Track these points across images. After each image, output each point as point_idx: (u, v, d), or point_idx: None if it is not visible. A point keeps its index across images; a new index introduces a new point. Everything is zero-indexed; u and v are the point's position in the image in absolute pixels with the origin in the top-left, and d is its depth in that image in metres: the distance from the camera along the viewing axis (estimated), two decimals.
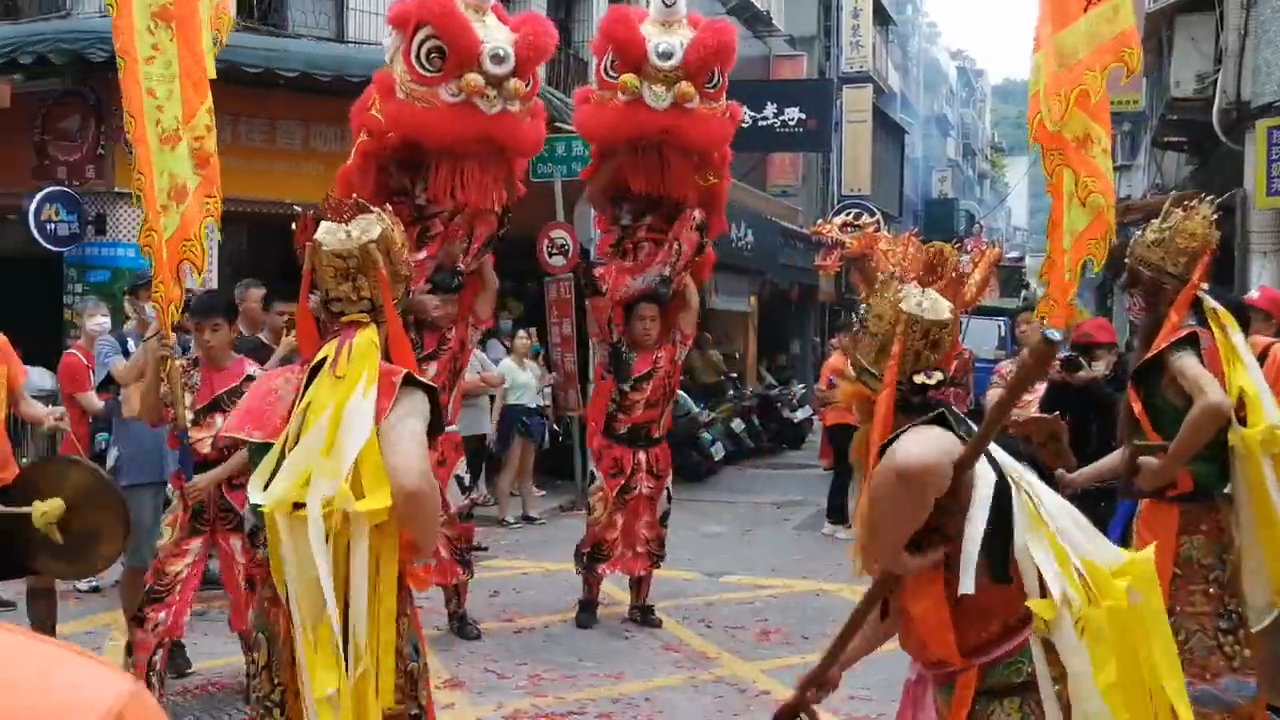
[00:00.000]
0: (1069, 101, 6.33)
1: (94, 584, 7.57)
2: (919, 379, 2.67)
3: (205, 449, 5.10)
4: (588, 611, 7.05)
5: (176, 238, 4.92)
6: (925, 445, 2.46)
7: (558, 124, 12.45)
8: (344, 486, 2.72)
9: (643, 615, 6.98)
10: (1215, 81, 12.48)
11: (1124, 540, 4.17)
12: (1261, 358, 4.70)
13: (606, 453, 6.91)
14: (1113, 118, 24.60)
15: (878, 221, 8.01)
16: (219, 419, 4.98)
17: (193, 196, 4.98)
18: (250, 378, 4.98)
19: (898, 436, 2.54)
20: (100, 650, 6.31)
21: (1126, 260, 4.10)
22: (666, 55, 6.43)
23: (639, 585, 7.03)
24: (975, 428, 2.58)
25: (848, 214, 10.23)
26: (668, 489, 7.03)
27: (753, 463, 15.61)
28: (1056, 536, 2.45)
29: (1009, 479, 2.49)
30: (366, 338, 2.92)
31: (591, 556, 6.94)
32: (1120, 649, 2.37)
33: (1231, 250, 12.24)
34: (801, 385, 18.57)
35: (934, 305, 2.69)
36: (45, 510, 4.75)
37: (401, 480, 2.75)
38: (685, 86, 6.45)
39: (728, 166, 7.28)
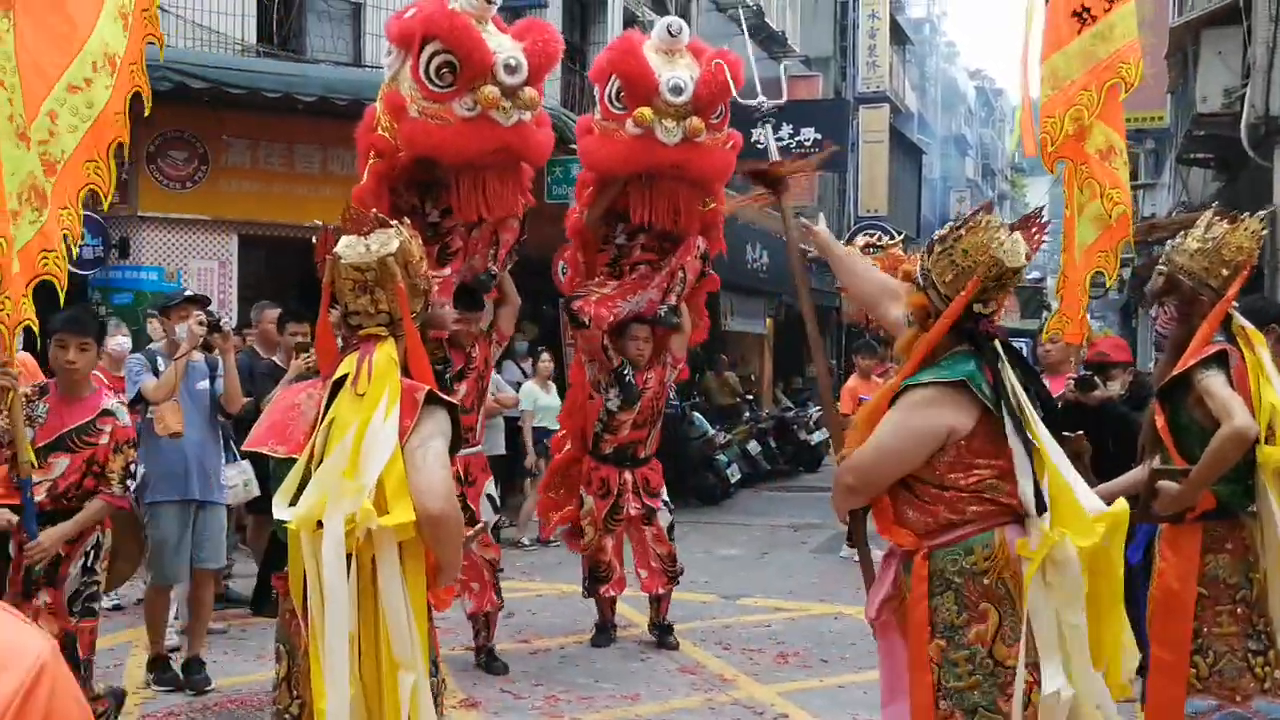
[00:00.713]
0: (1062, 122, 6.42)
1: (116, 602, 7.63)
2: (976, 307, 3.02)
3: (40, 495, 4.38)
4: (603, 633, 7.05)
5: (32, 248, 4.08)
6: (931, 415, 2.98)
7: (573, 146, 12.52)
8: (367, 504, 2.76)
9: (660, 634, 6.96)
10: (1243, 96, 12.40)
11: (1146, 560, 4.14)
12: None
13: (594, 474, 6.93)
14: (1137, 135, 24.48)
15: (902, 242, 8.01)
16: (62, 461, 4.49)
17: (51, 205, 4.20)
18: (108, 412, 4.63)
19: (920, 378, 3.00)
20: (122, 667, 6.37)
21: (1163, 268, 4.00)
22: (677, 91, 6.36)
23: (658, 603, 7.00)
24: (1005, 366, 3.01)
25: (870, 234, 10.24)
26: (665, 503, 7.01)
27: (769, 485, 15.58)
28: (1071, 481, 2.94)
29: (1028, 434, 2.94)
30: (386, 354, 2.96)
31: (591, 579, 6.95)
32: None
33: (1261, 268, 12.19)
34: (818, 407, 18.54)
35: (1014, 250, 3.00)
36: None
37: (426, 503, 2.80)
38: (696, 122, 6.42)
39: (724, 190, 7.26)
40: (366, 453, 2.82)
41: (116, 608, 7.61)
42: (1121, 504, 2.92)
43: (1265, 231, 3.98)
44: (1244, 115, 12.19)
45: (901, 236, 8.75)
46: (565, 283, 7.39)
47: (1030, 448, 2.89)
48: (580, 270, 7.16)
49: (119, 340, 7.60)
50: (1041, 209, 3.24)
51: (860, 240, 8.99)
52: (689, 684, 6.22)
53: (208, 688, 5.92)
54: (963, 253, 2.99)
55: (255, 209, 11.26)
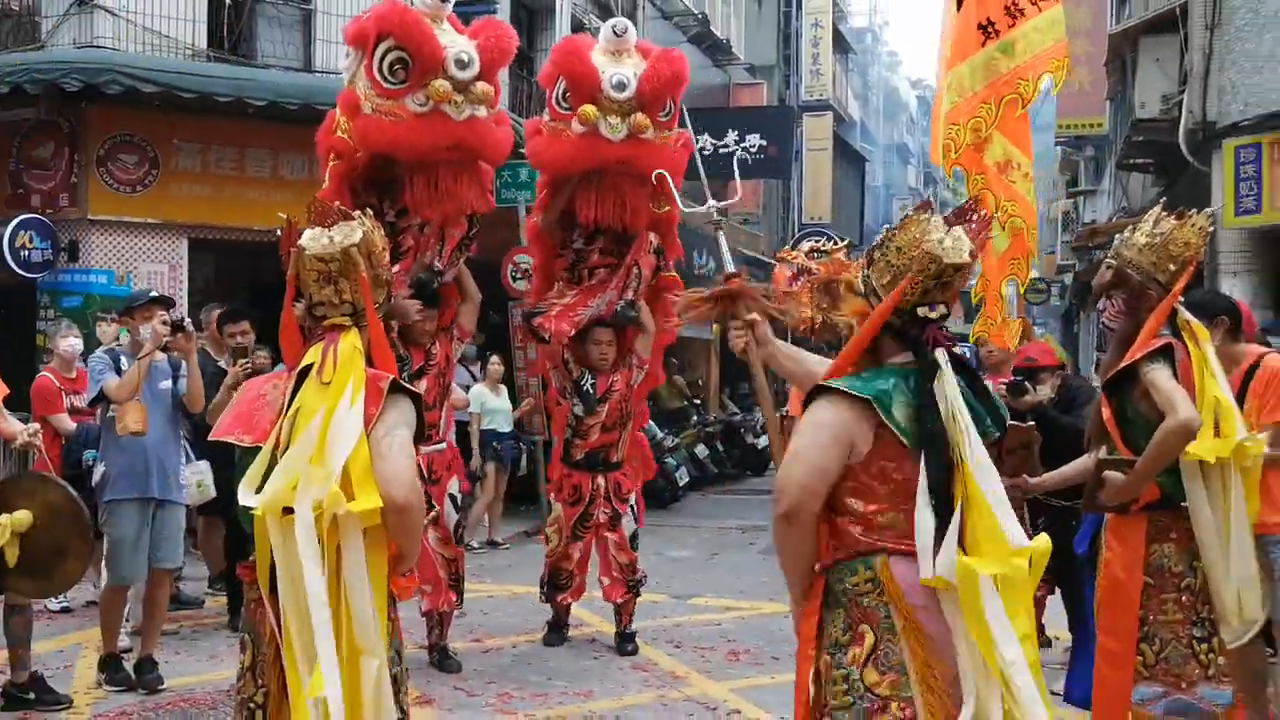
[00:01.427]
0: (965, 131, 6.68)
1: (65, 604, 7.60)
2: (921, 311, 2.86)
3: None
4: (556, 632, 7.11)
5: None
6: (834, 422, 2.79)
7: (521, 150, 12.60)
8: (335, 489, 2.82)
9: (619, 642, 6.93)
10: (1181, 102, 12.66)
11: (1093, 551, 4.25)
12: (1253, 367, 4.73)
13: (566, 481, 6.93)
14: (1077, 141, 24.84)
15: (846, 247, 8.15)
16: None
17: None
18: None
19: (831, 391, 2.82)
20: (72, 668, 6.36)
21: (1112, 262, 4.02)
22: (620, 86, 6.40)
23: (619, 612, 7.01)
24: (944, 381, 2.79)
25: (816, 240, 10.39)
26: (631, 508, 7.02)
27: (717, 488, 15.74)
28: (998, 511, 2.73)
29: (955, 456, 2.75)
30: (350, 343, 3.01)
31: (550, 585, 6.97)
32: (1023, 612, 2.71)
33: (1201, 269, 12.52)
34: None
35: (956, 247, 2.85)
36: (14, 520, 4.86)
37: (391, 491, 2.86)
38: (640, 118, 6.45)
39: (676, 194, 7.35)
40: (333, 439, 2.87)
41: (65, 610, 7.59)
42: (1043, 539, 2.79)
43: (1211, 229, 4.03)
44: (1182, 121, 12.47)
45: (845, 243, 8.90)
46: (531, 292, 7.43)
47: (949, 473, 2.75)
48: (543, 277, 7.18)
49: (70, 342, 7.59)
50: (975, 201, 3.11)
51: (804, 246, 9.11)
52: (642, 681, 6.32)
53: (160, 687, 5.92)
54: (896, 250, 2.88)
55: (206, 213, 11.23)
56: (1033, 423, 5.63)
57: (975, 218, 2.95)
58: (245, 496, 2.95)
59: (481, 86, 5.93)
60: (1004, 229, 6.80)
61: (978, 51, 6.86)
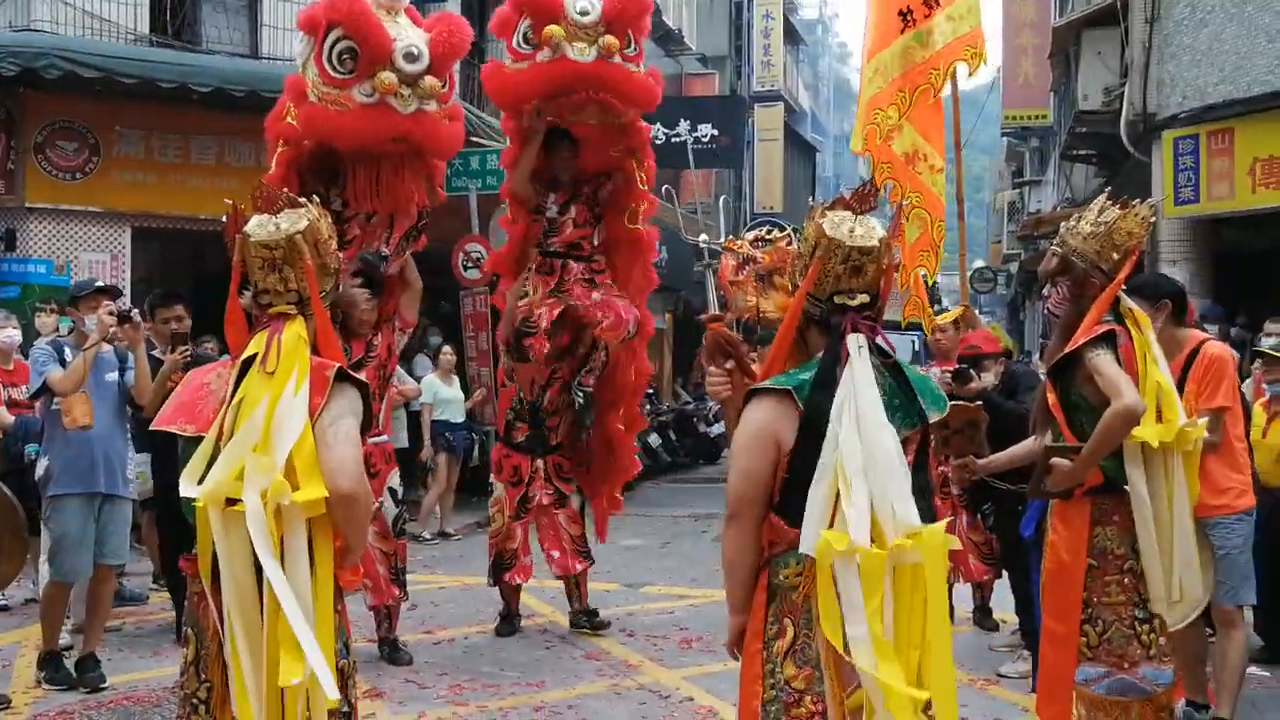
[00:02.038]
0: (888, 116, 6.77)
1: (3, 602, 7.46)
2: (839, 299, 2.87)
3: None
4: (508, 621, 7.08)
5: None
6: (755, 423, 2.83)
7: (473, 138, 12.51)
8: (279, 479, 2.78)
9: (589, 619, 6.97)
10: (1122, 95, 12.89)
11: (1038, 534, 4.29)
12: (1194, 353, 4.84)
13: (506, 461, 6.97)
14: (1022, 133, 25.32)
15: (789, 235, 8.14)
16: None
17: None
18: None
19: (758, 391, 2.86)
20: (10, 668, 6.23)
21: (1057, 249, 4.07)
22: (584, 12, 6.29)
23: (577, 588, 7.00)
24: (852, 366, 2.78)
25: (762, 229, 10.44)
26: (578, 488, 7.08)
27: (670, 477, 15.77)
28: (856, 489, 2.70)
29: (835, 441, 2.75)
30: (294, 332, 2.97)
31: (495, 566, 6.96)
32: (882, 595, 2.69)
33: (1141, 258, 12.69)
34: (717, 401, 18.76)
35: (862, 231, 2.87)
36: None
37: (337, 481, 2.82)
38: (610, 39, 6.30)
39: (649, 147, 7.16)
40: (277, 429, 2.83)
41: (3, 608, 7.45)
42: (939, 527, 2.77)
43: (1154, 219, 4.08)
44: (1123, 113, 12.69)
45: (788, 230, 8.94)
46: (491, 259, 7.38)
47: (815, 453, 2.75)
48: (513, 246, 7.00)
49: (8, 333, 7.43)
50: (871, 185, 3.10)
51: (749, 235, 9.07)
52: (594, 670, 6.30)
53: (102, 686, 5.82)
54: (803, 240, 2.95)
55: (149, 201, 11.03)
56: (980, 403, 5.70)
57: (861, 197, 2.96)
58: (187, 488, 2.89)
59: (430, 81, 5.86)
60: (908, 220, 6.92)
61: (896, 39, 6.95)
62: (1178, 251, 12.14)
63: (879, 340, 2.90)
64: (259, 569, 2.81)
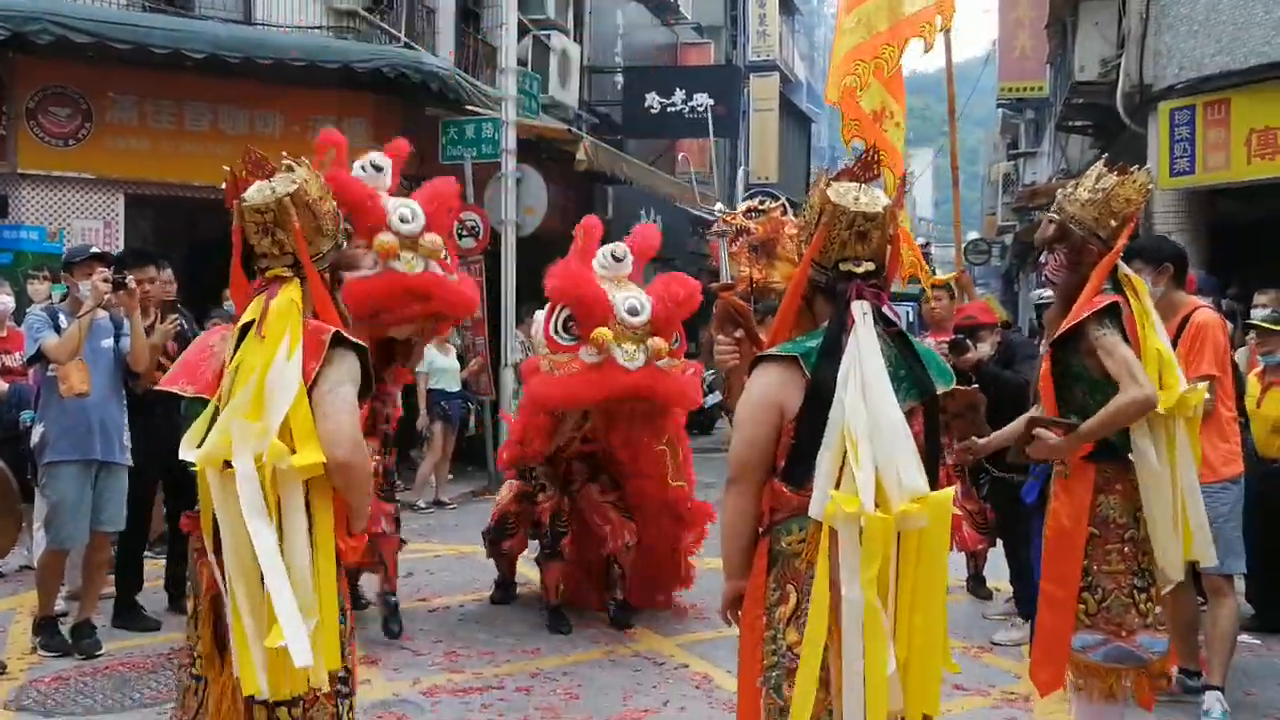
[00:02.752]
0: (870, 68, 6.75)
1: None
2: (845, 266, 2.89)
3: None
4: (504, 589, 7.12)
5: None
6: (759, 390, 2.86)
7: (468, 106, 12.46)
8: (276, 443, 2.78)
9: (617, 610, 6.60)
10: (1118, 65, 12.87)
11: (1041, 500, 4.29)
12: (1185, 321, 4.87)
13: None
14: (1017, 105, 25.31)
15: (783, 205, 8.14)
16: None
17: None
18: None
19: (764, 358, 2.88)
20: (5, 633, 6.25)
21: (1055, 216, 4.04)
22: (634, 311, 6.05)
23: (621, 579, 6.63)
24: (858, 334, 2.79)
25: (757, 199, 10.41)
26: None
27: None
28: (863, 454, 2.70)
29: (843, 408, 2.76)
30: (287, 295, 2.96)
31: (495, 533, 6.92)
32: (887, 559, 2.70)
33: (1138, 229, 12.70)
34: (711, 372, 18.79)
35: (868, 199, 2.88)
36: None
37: (333, 450, 2.83)
38: (659, 342, 6.06)
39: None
40: (270, 394, 2.83)
41: None
42: (945, 493, 2.79)
43: (1151, 186, 4.05)
44: (1119, 84, 12.67)
45: (781, 200, 8.92)
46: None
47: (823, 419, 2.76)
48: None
49: (1, 300, 7.39)
50: (874, 150, 3.09)
51: (742, 206, 9.06)
52: (589, 638, 6.33)
53: (98, 652, 5.85)
54: (809, 208, 2.96)
55: (143, 168, 10.96)
56: (976, 385, 5.69)
57: (866, 163, 2.97)
58: (187, 451, 2.90)
59: (430, 239, 5.89)
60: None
61: None
62: (1172, 222, 12.14)
63: (885, 309, 2.90)
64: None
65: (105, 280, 5.69)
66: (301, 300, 2.99)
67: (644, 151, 19.75)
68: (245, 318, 2.99)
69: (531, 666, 5.81)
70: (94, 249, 6.20)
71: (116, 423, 6.00)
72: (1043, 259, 4.07)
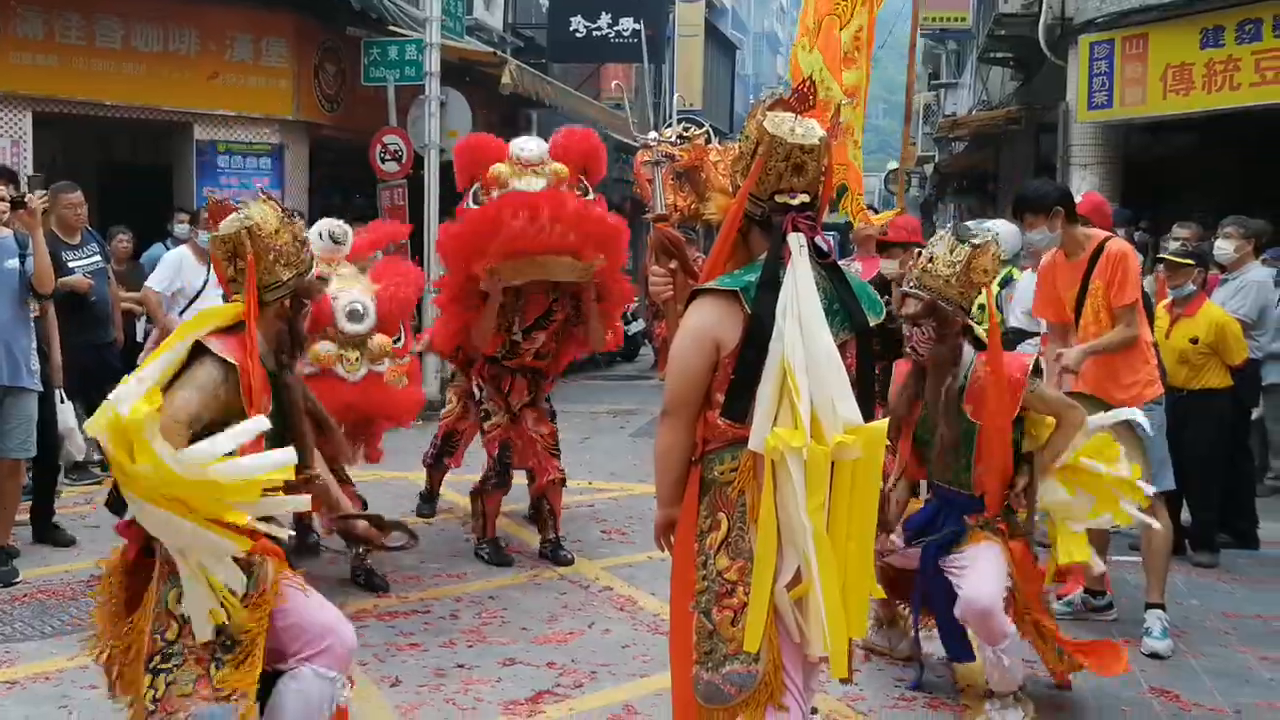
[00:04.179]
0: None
1: None
2: (781, 198, 2.90)
3: None
4: (428, 503, 7.27)
5: None
6: (695, 324, 2.89)
7: (391, 27, 12.21)
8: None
9: (553, 551, 6.43)
10: None
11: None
12: (1097, 251, 5.05)
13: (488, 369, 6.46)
14: (940, 35, 25.44)
15: (707, 133, 8.18)
16: None
17: None
18: None
19: (702, 291, 2.91)
20: None
21: (921, 293, 4.14)
22: (531, 151, 5.95)
23: (551, 515, 6.50)
24: (794, 268, 2.82)
25: (682, 126, 10.39)
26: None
27: (588, 374, 15.85)
28: (801, 386, 2.74)
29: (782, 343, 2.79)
30: (227, 310, 3.26)
31: (443, 446, 7.03)
32: (824, 487, 2.76)
33: (1054, 165, 12.94)
34: (635, 299, 18.81)
35: (804, 131, 2.89)
36: None
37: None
38: (559, 166, 5.92)
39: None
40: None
41: None
42: (879, 425, 2.83)
43: (1003, 255, 4.31)
44: (1041, 16, 12.79)
45: (706, 128, 8.90)
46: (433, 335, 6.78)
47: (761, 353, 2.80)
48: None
49: None
50: (809, 81, 3.08)
51: (668, 132, 9.06)
52: (515, 561, 6.39)
53: (15, 580, 5.79)
54: (745, 138, 2.94)
55: (51, 84, 10.54)
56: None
57: (800, 93, 2.98)
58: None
59: (379, 340, 5.68)
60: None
61: None
62: (1089, 156, 12.35)
63: (818, 240, 2.92)
64: None
65: (2, 199, 5.53)
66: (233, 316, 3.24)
67: (569, 77, 19.51)
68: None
69: (457, 590, 5.85)
70: None
71: (23, 347, 5.86)
72: (906, 331, 4.18)
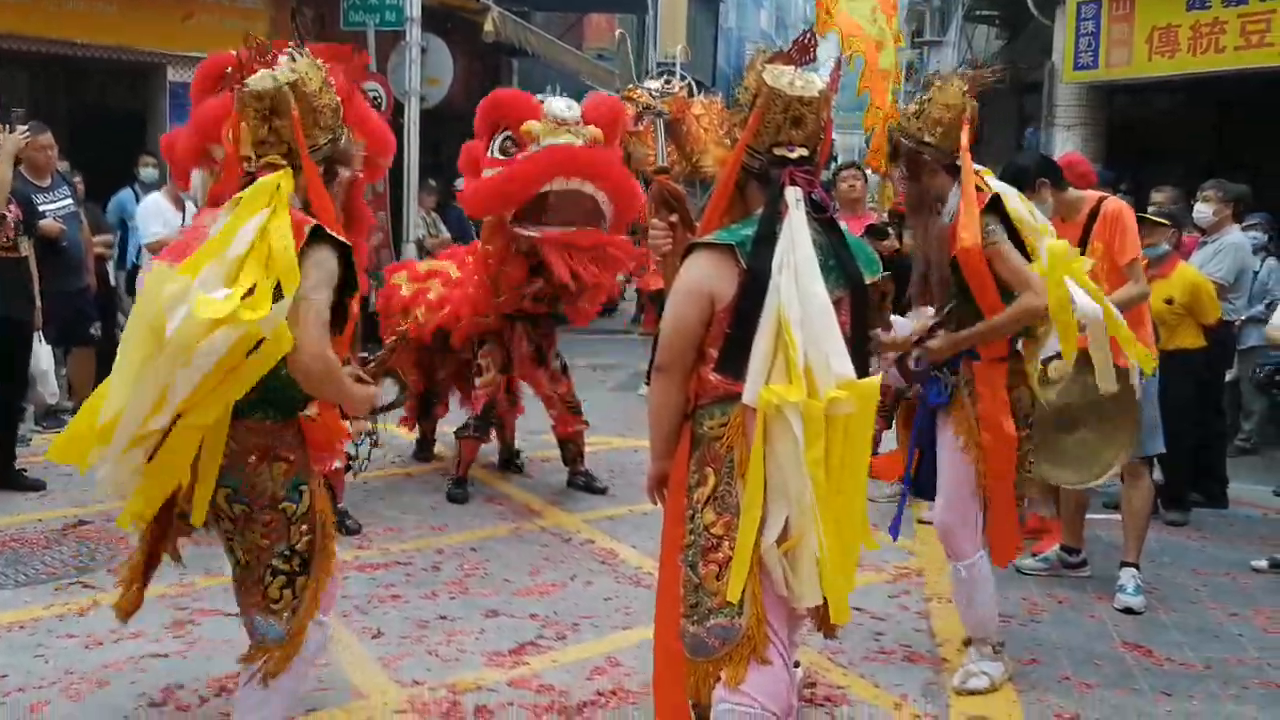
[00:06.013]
0: None
1: None
2: (779, 151, 2.88)
3: None
4: (425, 449, 7.44)
5: None
6: (691, 278, 2.86)
7: None
8: (202, 297, 2.76)
9: (587, 482, 6.93)
10: None
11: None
12: (1094, 212, 5.03)
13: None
14: None
15: (689, 86, 8.09)
16: None
17: None
18: None
19: (699, 245, 2.87)
20: None
21: (891, 134, 4.20)
22: (570, 111, 6.07)
23: (579, 454, 6.99)
24: (790, 222, 2.78)
25: (663, 79, 10.29)
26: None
27: (567, 329, 15.72)
28: (796, 340, 2.72)
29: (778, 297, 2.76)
30: (273, 179, 2.96)
31: (482, 420, 6.70)
32: (821, 440, 2.74)
33: (1039, 126, 12.89)
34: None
35: (804, 83, 2.86)
36: None
37: (299, 356, 2.87)
38: (594, 130, 6.05)
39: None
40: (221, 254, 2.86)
41: None
42: (872, 380, 2.83)
43: (966, 89, 4.05)
44: None
45: (686, 81, 8.81)
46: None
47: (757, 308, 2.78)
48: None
49: None
50: (810, 33, 3.08)
51: (651, 85, 9.02)
52: (497, 514, 6.38)
53: None
54: (743, 90, 2.93)
55: (16, 21, 10.25)
56: (888, 273, 5.77)
57: (800, 46, 2.96)
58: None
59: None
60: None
61: None
62: (1073, 116, 12.30)
63: (816, 195, 2.89)
64: None
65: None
66: (293, 187, 3.00)
67: (551, 26, 19.28)
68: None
69: (439, 542, 5.83)
70: None
71: None
72: (895, 175, 4.20)
